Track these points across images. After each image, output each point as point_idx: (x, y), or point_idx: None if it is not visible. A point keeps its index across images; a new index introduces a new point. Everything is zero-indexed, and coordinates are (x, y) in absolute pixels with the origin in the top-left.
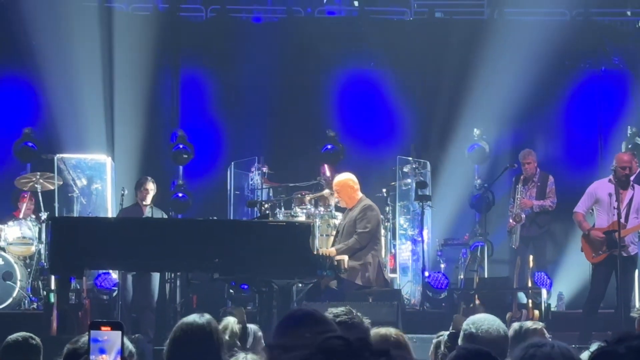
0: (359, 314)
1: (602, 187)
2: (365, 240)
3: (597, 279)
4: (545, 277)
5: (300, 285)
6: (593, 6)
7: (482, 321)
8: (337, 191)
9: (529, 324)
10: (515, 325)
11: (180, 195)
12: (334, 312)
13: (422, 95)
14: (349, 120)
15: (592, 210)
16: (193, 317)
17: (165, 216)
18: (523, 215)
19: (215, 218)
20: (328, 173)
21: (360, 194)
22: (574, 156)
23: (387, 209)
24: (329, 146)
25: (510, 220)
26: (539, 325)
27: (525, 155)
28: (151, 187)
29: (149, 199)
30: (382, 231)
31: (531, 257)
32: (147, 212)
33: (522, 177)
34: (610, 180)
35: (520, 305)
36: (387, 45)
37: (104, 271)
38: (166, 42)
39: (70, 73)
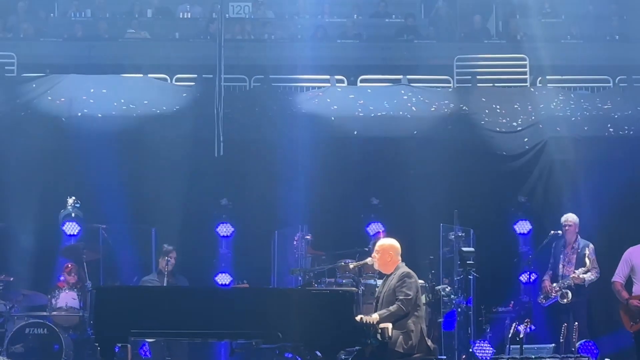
0: None
1: (636, 253)
2: (408, 307)
3: None
4: (593, 346)
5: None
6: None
7: None
8: (378, 252)
9: None
10: None
11: (223, 265)
12: None
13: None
14: (392, 188)
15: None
16: None
17: (187, 283)
18: (570, 294)
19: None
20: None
21: (399, 262)
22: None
23: (431, 276)
24: (372, 215)
25: (553, 294)
26: None
27: (566, 218)
28: (174, 255)
29: (171, 267)
30: (423, 298)
31: (577, 325)
32: (171, 280)
33: (562, 242)
34: None
35: None
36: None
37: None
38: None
39: None
